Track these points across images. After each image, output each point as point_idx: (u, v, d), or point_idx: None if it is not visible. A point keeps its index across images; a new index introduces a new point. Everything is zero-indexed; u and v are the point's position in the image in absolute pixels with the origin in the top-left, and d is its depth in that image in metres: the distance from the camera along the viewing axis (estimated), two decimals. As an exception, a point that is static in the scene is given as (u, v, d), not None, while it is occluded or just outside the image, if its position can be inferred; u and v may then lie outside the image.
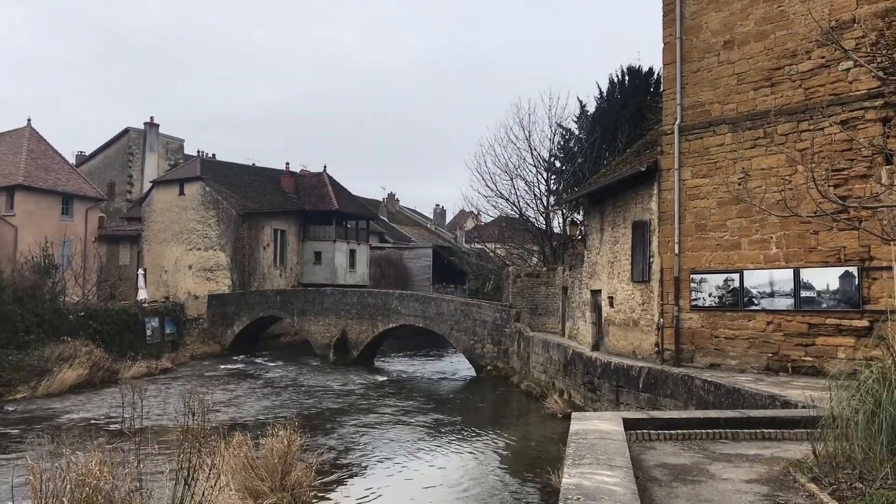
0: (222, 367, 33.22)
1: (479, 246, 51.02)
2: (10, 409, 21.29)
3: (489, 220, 45.15)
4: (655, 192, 16.81)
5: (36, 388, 23.66)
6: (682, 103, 16.19)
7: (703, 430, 7.74)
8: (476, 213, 48.65)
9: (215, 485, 8.76)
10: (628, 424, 7.84)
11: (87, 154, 57.69)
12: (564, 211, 34.79)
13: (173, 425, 11.12)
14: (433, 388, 28.18)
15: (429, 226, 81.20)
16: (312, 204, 49.10)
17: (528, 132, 35.17)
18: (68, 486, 7.17)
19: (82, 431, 11.06)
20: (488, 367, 29.22)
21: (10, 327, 25.82)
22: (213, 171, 46.33)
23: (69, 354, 26.04)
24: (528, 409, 22.24)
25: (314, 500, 10.99)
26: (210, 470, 8.80)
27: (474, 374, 30.19)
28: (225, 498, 9.17)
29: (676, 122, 16.20)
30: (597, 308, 21.10)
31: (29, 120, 43.54)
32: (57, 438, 8.56)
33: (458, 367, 33.61)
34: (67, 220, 41.00)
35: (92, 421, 18.71)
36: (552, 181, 35.66)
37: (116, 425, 15.59)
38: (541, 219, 35.46)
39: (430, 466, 15.22)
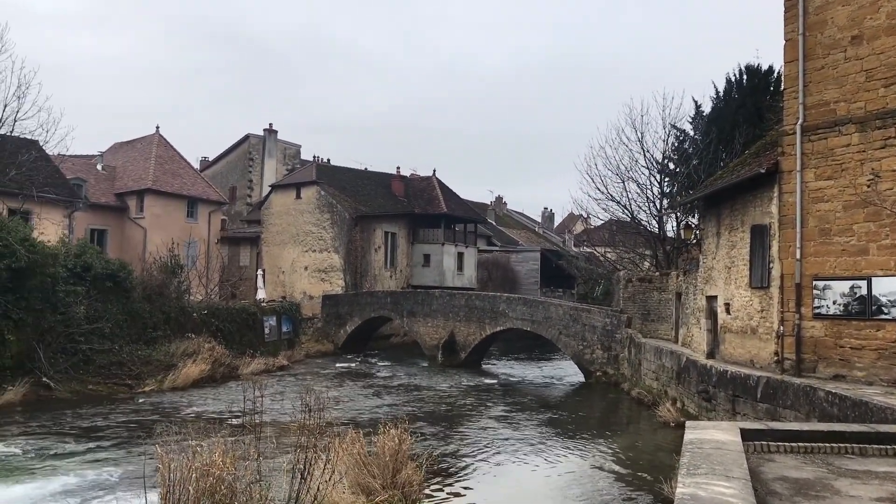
0: (336, 365, 34.14)
1: (588, 250, 50.33)
2: (139, 400, 22.59)
3: (599, 223, 44.46)
4: (776, 194, 16.14)
5: (162, 381, 24.99)
6: (804, 102, 15.49)
7: (828, 444, 7.38)
8: (585, 216, 48.01)
9: (329, 479, 9.03)
10: (746, 435, 7.58)
11: (210, 159, 60.61)
12: (678, 214, 33.85)
13: (291, 421, 11.52)
14: (541, 392, 28.01)
15: (536, 229, 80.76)
16: (422, 207, 49.80)
17: (641, 133, 34.40)
18: (194, 475, 7.53)
19: (206, 424, 11.60)
20: (597, 373, 28.79)
21: (139, 324, 27.41)
22: (328, 176, 47.75)
23: (193, 350, 27.38)
24: (638, 417, 21.79)
25: (424, 499, 11.13)
26: (325, 465, 9.07)
27: (583, 379, 29.82)
28: (338, 493, 9.43)
29: (798, 122, 15.51)
30: (712, 315, 20.44)
31: (157, 127, 46.16)
32: (184, 429, 9.03)
33: (565, 371, 33.27)
34: (192, 223, 43.20)
35: (214, 414, 19.60)
36: (665, 184, 34.78)
37: (237, 419, 16.29)
38: (653, 222, 34.63)
39: (537, 470, 15.15)
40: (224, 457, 7.75)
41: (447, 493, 12.75)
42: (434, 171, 53.15)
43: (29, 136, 25.46)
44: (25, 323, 22.59)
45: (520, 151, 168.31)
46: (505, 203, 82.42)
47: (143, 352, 26.29)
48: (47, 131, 28.83)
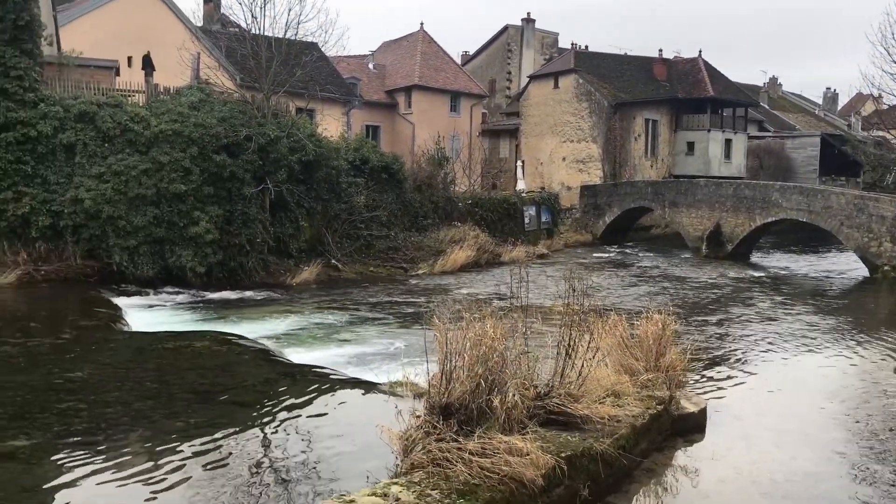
0: (594, 255, 34.35)
1: (879, 133, 45.02)
2: (413, 281, 24.53)
3: (894, 102, 39.41)
4: None
5: (433, 265, 26.80)
6: None
7: None
8: (877, 95, 42.74)
9: (593, 358, 9.30)
10: None
11: (470, 53, 61.71)
12: None
13: (554, 304, 11.94)
14: (817, 286, 26.18)
15: (816, 112, 73.36)
16: (685, 92, 47.17)
17: (953, -6, 29.55)
18: (468, 343, 8.12)
19: (474, 303, 12.41)
20: (885, 267, 26.27)
21: (411, 212, 29.46)
22: (586, 63, 46.66)
23: (459, 238, 28.97)
24: (934, 316, 19.71)
25: (688, 384, 11.12)
26: (588, 345, 9.34)
27: (867, 273, 27.40)
28: (601, 371, 9.70)
29: None
30: None
31: (422, 24, 47.74)
32: (458, 303, 9.73)
33: (846, 266, 30.71)
34: (455, 117, 44.81)
35: (481, 295, 20.78)
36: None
37: (504, 300, 17.16)
38: (965, 98, 30.05)
39: (808, 365, 14.39)
40: (495, 329, 8.26)
41: (710, 380, 12.60)
42: (700, 51, 49.81)
43: (310, 38, 27.59)
44: (315, 211, 25.16)
45: (798, 25, 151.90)
46: (780, 84, 75.48)
47: (415, 238, 28.32)
48: (326, 31, 31.14)
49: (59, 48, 24.94)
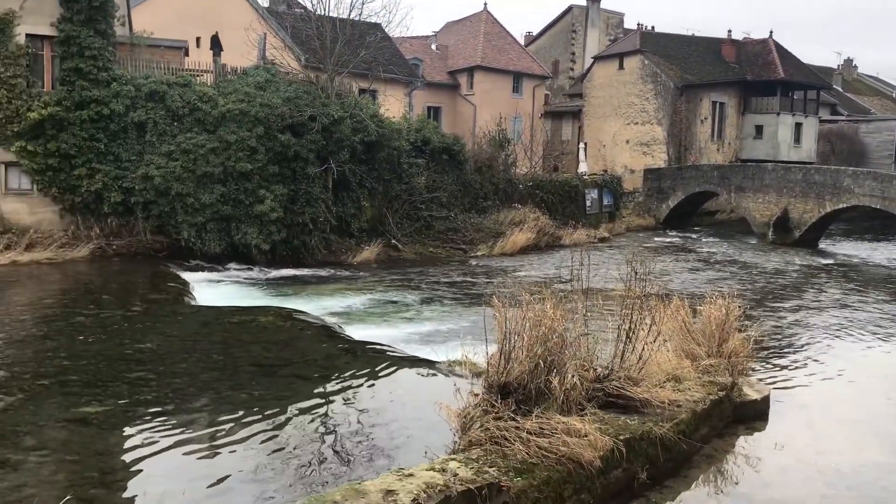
0: (657, 239, 33.82)
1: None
2: (472, 263, 24.55)
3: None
4: None
5: (492, 247, 26.74)
6: None
7: None
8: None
9: (654, 341, 9.21)
10: None
11: (533, 34, 61.11)
12: None
13: (614, 288, 11.82)
14: (888, 275, 25.32)
15: (894, 95, 70.56)
16: (755, 73, 45.83)
17: None
18: (527, 324, 8.13)
19: (534, 284, 12.37)
20: (963, 258, 25.25)
21: (471, 194, 29.38)
22: (652, 44, 45.68)
23: (519, 220, 28.78)
24: None
25: (751, 371, 10.91)
26: (649, 328, 9.25)
27: (944, 263, 26.38)
28: (662, 356, 9.60)
29: None
30: None
31: (485, 4, 47.39)
32: (517, 284, 9.72)
33: (922, 255, 29.63)
34: (517, 98, 44.49)
35: (540, 277, 20.68)
36: None
37: (563, 284, 17.08)
38: None
39: (879, 355, 13.99)
40: (554, 310, 8.23)
41: (775, 368, 12.36)
42: (770, 32, 48.28)
43: (374, 19, 27.76)
44: (377, 191, 25.36)
45: (876, 3, 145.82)
46: (855, 66, 72.73)
47: (474, 219, 28.26)
48: (390, 12, 31.21)
49: (130, 29, 25.56)
